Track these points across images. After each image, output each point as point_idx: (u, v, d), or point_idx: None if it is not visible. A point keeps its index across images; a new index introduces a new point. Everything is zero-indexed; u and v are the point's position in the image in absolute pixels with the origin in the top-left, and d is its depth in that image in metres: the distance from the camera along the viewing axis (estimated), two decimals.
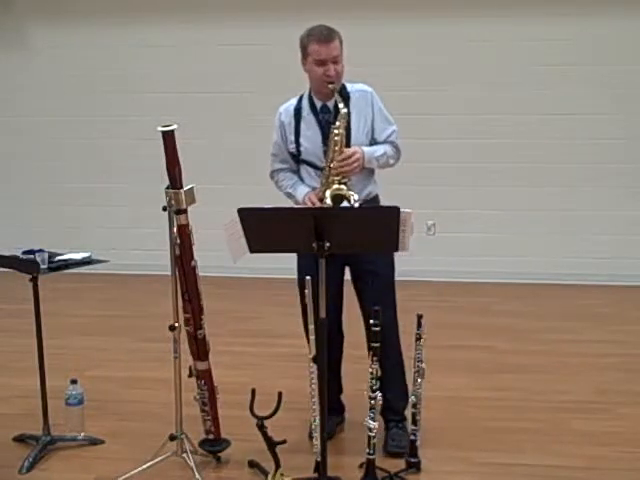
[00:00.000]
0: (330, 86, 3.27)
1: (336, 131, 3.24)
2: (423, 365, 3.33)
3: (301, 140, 3.41)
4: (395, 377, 3.49)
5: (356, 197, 3.24)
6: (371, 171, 3.48)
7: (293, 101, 3.50)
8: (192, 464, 3.20)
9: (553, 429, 3.69)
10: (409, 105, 6.46)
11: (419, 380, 3.33)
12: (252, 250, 2.92)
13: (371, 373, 3.11)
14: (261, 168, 7.47)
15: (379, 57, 6.52)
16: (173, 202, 3.09)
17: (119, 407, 4.02)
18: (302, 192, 3.41)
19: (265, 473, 3.20)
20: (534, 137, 6.60)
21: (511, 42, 6.52)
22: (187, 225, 3.16)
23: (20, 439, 3.58)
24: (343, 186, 3.26)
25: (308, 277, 2.88)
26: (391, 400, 3.46)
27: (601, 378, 4.36)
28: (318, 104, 3.40)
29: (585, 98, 6.50)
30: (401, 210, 2.81)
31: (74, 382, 3.65)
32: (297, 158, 3.46)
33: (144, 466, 3.23)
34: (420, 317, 3.33)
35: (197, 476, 3.16)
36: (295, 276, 3.47)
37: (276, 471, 3.11)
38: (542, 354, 4.79)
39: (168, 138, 3.09)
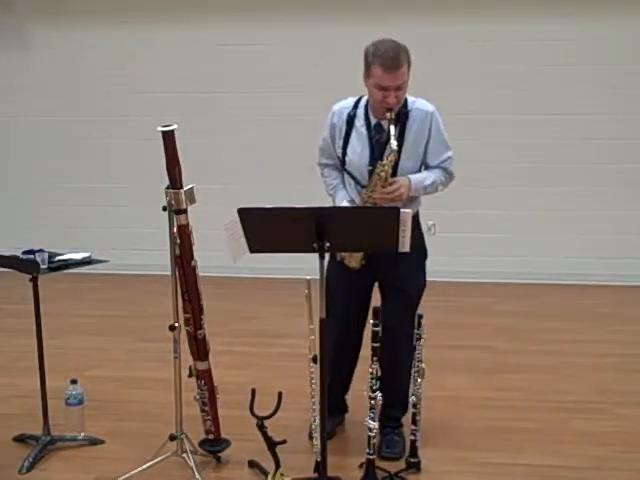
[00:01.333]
0: (387, 114, 3.13)
1: (382, 167, 3.17)
2: (423, 365, 3.33)
3: (348, 150, 3.32)
4: (400, 389, 3.47)
5: None
6: (416, 198, 3.39)
7: (350, 102, 3.36)
8: (192, 464, 3.20)
9: (553, 429, 3.69)
10: None
11: (419, 380, 3.33)
12: (252, 250, 2.92)
13: (371, 373, 3.11)
14: (261, 168, 7.51)
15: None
16: (173, 202, 3.09)
17: (119, 407, 4.02)
18: (340, 200, 3.36)
19: (265, 473, 3.20)
20: (534, 137, 6.60)
21: (511, 42, 6.51)
22: (187, 225, 3.16)
23: (20, 439, 3.58)
24: None
25: (308, 277, 2.88)
26: (391, 409, 3.47)
27: (601, 378, 4.36)
28: (373, 120, 3.28)
29: (585, 98, 6.50)
30: (401, 210, 2.81)
31: (74, 382, 3.65)
32: (341, 163, 3.39)
33: (144, 466, 3.23)
34: (420, 317, 3.33)
35: (197, 476, 3.16)
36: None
37: (276, 471, 3.11)
38: (542, 354, 4.79)
39: (168, 138, 3.09)
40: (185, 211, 3.14)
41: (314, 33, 6.61)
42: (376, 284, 3.50)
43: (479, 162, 6.68)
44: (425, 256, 3.53)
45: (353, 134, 3.32)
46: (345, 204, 3.34)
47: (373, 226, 2.86)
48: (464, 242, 6.77)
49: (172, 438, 3.28)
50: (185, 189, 3.11)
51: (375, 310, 3.11)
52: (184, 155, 3.17)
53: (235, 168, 6.90)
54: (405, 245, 2.90)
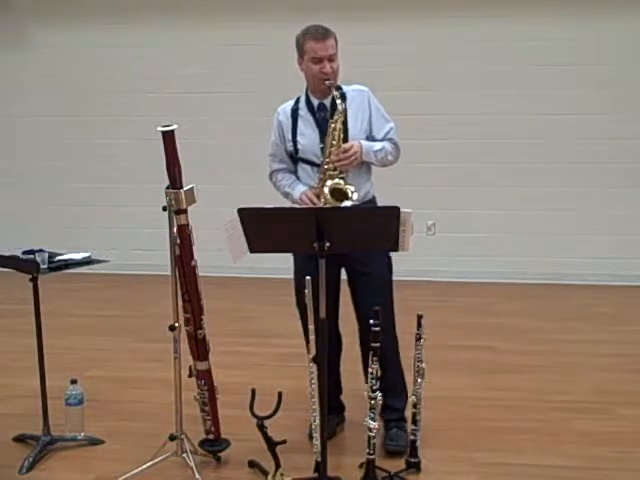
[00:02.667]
0: (327, 82, 3.30)
1: (333, 125, 3.28)
2: (423, 365, 3.33)
3: (298, 138, 3.43)
4: (393, 377, 3.48)
5: (353, 189, 3.25)
6: (367, 171, 3.49)
7: (290, 102, 3.53)
8: (192, 464, 3.20)
9: (553, 429, 3.69)
10: (409, 105, 6.46)
11: (419, 380, 3.33)
12: (252, 250, 2.92)
13: (371, 373, 3.11)
14: (261, 168, 7.48)
15: (379, 57, 6.53)
16: (173, 202, 3.09)
17: (119, 407, 4.02)
18: (299, 191, 3.42)
19: (265, 473, 3.20)
20: (534, 137, 6.61)
21: (512, 42, 6.52)
22: (187, 225, 3.16)
23: (20, 439, 3.58)
24: (341, 180, 3.28)
25: (308, 277, 2.88)
26: (390, 400, 3.46)
27: (601, 378, 4.36)
28: (315, 102, 3.43)
29: (585, 98, 6.51)
30: (401, 210, 2.81)
31: (74, 382, 3.64)
32: (295, 157, 3.47)
33: (144, 466, 3.23)
34: (420, 317, 3.33)
35: (197, 476, 3.15)
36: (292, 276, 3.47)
37: (276, 471, 3.11)
38: (542, 354, 4.79)
39: (168, 138, 3.09)
40: (185, 211, 3.14)
41: None
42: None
43: (479, 162, 6.69)
44: None
45: (300, 122, 3.45)
46: (304, 189, 3.39)
47: (373, 226, 2.86)
48: (464, 242, 6.78)
49: (172, 438, 3.28)
50: (185, 189, 3.11)
51: (375, 310, 3.11)
52: (184, 155, 3.17)
53: (235, 168, 6.90)
54: (405, 245, 2.90)
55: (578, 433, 3.64)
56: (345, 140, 3.33)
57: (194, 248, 3.19)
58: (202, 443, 3.41)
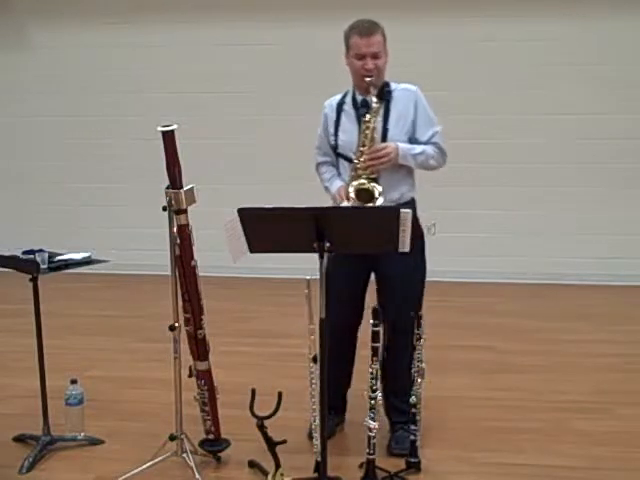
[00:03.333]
0: (367, 80, 3.25)
1: (366, 124, 3.24)
2: (423, 365, 3.33)
3: (339, 133, 3.41)
4: (406, 379, 3.44)
5: (380, 189, 3.22)
6: (407, 173, 3.44)
7: (338, 96, 3.50)
8: (192, 464, 3.20)
9: (553, 429, 3.69)
10: None
11: (419, 380, 3.33)
12: (252, 250, 2.92)
13: (371, 373, 3.11)
14: (261, 168, 7.51)
15: None
16: (173, 202, 3.09)
17: (119, 407, 4.02)
18: (336, 186, 3.41)
19: (265, 473, 3.20)
20: (534, 137, 6.61)
21: (512, 42, 6.52)
22: (187, 225, 3.16)
23: (20, 439, 3.58)
24: (366, 180, 3.24)
25: (308, 277, 2.88)
26: (399, 402, 3.46)
27: (601, 378, 4.36)
28: (359, 99, 3.39)
29: (585, 98, 6.51)
30: (401, 210, 2.81)
31: (74, 382, 3.64)
32: (335, 151, 3.46)
33: (144, 466, 3.23)
34: (420, 317, 3.33)
35: (197, 476, 3.16)
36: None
37: (276, 471, 3.11)
38: (542, 354, 4.79)
39: (168, 138, 3.09)
40: (185, 211, 3.14)
41: (314, 33, 6.61)
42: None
43: (479, 162, 6.68)
44: (423, 244, 3.60)
45: (343, 117, 3.42)
46: (341, 184, 3.37)
47: (373, 226, 2.86)
48: (464, 242, 6.77)
49: (172, 438, 3.28)
50: (185, 189, 3.11)
51: (375, 310, 3.11)
52: (184, 155, 3.17)
53: (235, 168, 6.90)
54: (405, 245, 2.90)
55: (578, 433, 3.64)
56: (384, 140, 3.30)
57: (194, 248, 3.19)
58: (202, 443, 3.41)
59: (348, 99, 3.44)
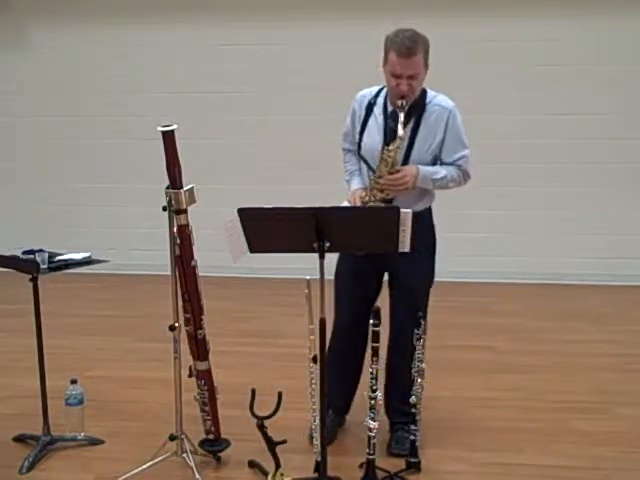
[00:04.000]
0: (399, 102, 3.19)
1: (388, 152, 3.21)
2: (423, 365, 3.33)
3: (364, 136, 3.38)
4: (405, 379, 3.44)
5: None
6: (423, 192, 3.41)
7: (373, 91, 3.42)
8: (192, 464, 3.20)
9: (553, 429, 3.69)
10: None
11: (419, 380, 3.33)
12: (252, 250, 2.92)
13: (371, 373, 3.11)
14: (261, 168, 7.50)
15: (379, 58, 6.52)
16: (173, 202, 3.09)
17: (119, 407, 4.02)
18: (354, 186, 3.41)
19: (265, 473, 3.20)
20: (534, 137, 6.60)
21: (511, 42, 6.51)
22: (187, 225, 3.16)
23: (20, 439, 3.58)
24: (381, 204, 3.24)
25: (308, 277, 2.88)
26: (399, 403, 3.46)
27: (601, 378, 4.36)
28: (389, 108, 3.33)
29: (585, 98, 6.50)
30: (401, 210, 2.81)
31: (74, 382, 3.64)
32: (359, 151, 3.43)
33: (144, 466, 3.23)
34: (420, 317, 3.33)
35: (197, 476, 3.16)
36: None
37: (276, 471, 3.11)
38: (542, 354, 4.79)
39: (168, 138, 3.09)
40: (185, 211, 3.14)
41: (314, 33, 6.61)
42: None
43: (479, 162, 6.64)
44: (434, 250, 3.69)
45: (371, 120, 3.37)
46: (357, 187, 3.38)
47: (373, 226, 2.86)
48: (464, 242, 6.77)
49: (172, 438, 3.28)
50: (185, 189, 3.11)
51: (375, 310, 3.11)
52: (184, 155, 3.17)
53: (235, 168, 6.90)
54: (405, 245, 2.91)
55: (578, 433, 3.64)
56: (406, 161, 3.26)
57: (194, 248, 3.19)
58: (202, 443, 3.41)
59: (380, 101, 3.37)
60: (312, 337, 2.99)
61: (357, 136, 3.41)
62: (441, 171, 3.33)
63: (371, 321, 3.11)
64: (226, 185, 6.74)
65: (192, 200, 3.14)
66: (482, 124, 6.62)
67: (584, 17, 6.42)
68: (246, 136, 6.86)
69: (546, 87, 6.54)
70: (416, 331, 3.33)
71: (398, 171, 3.23)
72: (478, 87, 6.59)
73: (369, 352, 3.19)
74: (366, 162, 3.37)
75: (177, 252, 3.15)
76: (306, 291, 2.93)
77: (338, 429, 3.63)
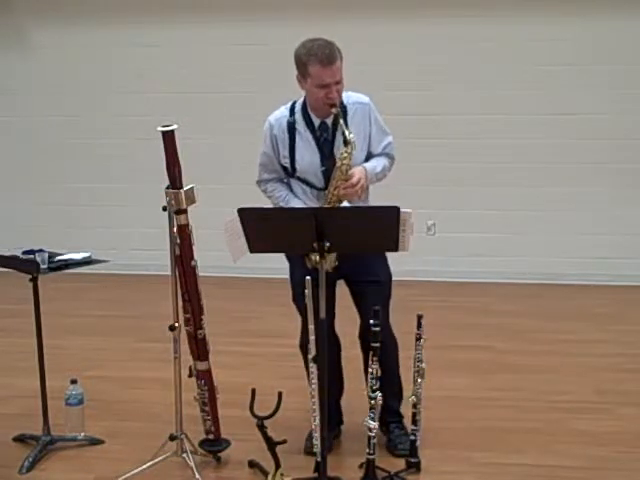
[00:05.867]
0: (333, 110, 3.13)
1: (342, 161, 3.14)
2: (423, 365, 3.33)
3: (297, 158, 3.26)
4: (391, 377, 3.46)
5: None
6: (367, 187, 3.38)
7: (284, 112, 3.31)
8: (192, 464, 3.20)
9: (553, 429, 3.69)
10: (409, 105, 6.47)
11: (419, 380, 3.33)
12: (252, 250, 2.92)
13: (371, 373, 3.11)
14: None
15: (379, 57, 6.53)
16: (173, 202, 3.09)
17: (119, 407, 4.02)
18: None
19: (265, 473, 3.20)
20: (534, 137, 6.61)
21: (511, 42, 6.52)
22: (187, 225, 3.16)
23: (20, 439, 3.58)
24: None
25: (308, 277, 2.88)
26: (388, 400, 3.42)
27: (601, 378, 4.36)
28: (316, 121, 3.25)
29: (585, 98, 6.50)
30: (401, 210, 2.81)
31: (74, 382, 3.65)
32: (290, 173, 3.32)
33: (144, 466, 3.23)
34: (420, 317, 3.33)
35: (197, 476, 3.16)
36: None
37: (276, 471, 3.11)
38: (542, 354, 4.79)
39: (168, 138, 3.09)
40: (185, 211, 3.14)
41: (314, 33, 6.59)
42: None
43: (479, 162, 6.69)
44: None
45: (298, 140, 3.26)
46: (302, 207, 3.27)
47: (373, 226, 2.86)
48: (464, 242, 6.78)
49: (172, 438, 3.28)
50: (185, 189, 3.11)
51: (375, 310, 3.11)
52: (184, 155, 3.17)
53: (235, 168, 6.88)
54: (405, 245, 2.90)
55: (578, 433, 3.64)
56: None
57: (194, 248, 3.19)
58: (202, 443, 3.41)
59: (299, 117, 3.26)
60: (312, 337, 2.98)
61: (286, 160, 3.28)
62: (379, 164, 3.33)
63: (371, 321, 3.11)
64: (226, 185, 6.74)
65: (192, 200, 3.14)
66: (482, 124, 6.64)
67: (584, 17, 6.42)
68: (246, 136, 6.83)
69: (546, 87, 6.54)
70: (416, 331, 3.33)
71: (352, 176, 3.17)
72: (478, 87, 6.59)
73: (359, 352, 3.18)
74: (306, 182, 3.28)
75: (177, 252, 3.15)
76: (306, 291, 2.93)
77: (335, 440, 3.55)
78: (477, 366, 4.59)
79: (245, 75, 6.82)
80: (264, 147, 3.35)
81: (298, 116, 3.27)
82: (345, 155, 3.15)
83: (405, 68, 6.59)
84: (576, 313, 5.78)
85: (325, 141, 3.24)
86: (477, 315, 5.73)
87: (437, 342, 4.05)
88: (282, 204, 3.34)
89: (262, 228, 2.86)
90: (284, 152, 3.28)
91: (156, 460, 3.25)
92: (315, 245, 2.79)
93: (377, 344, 3.11)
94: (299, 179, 3.30)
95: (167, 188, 3.11)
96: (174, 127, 3.09)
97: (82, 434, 3.60)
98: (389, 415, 3.50)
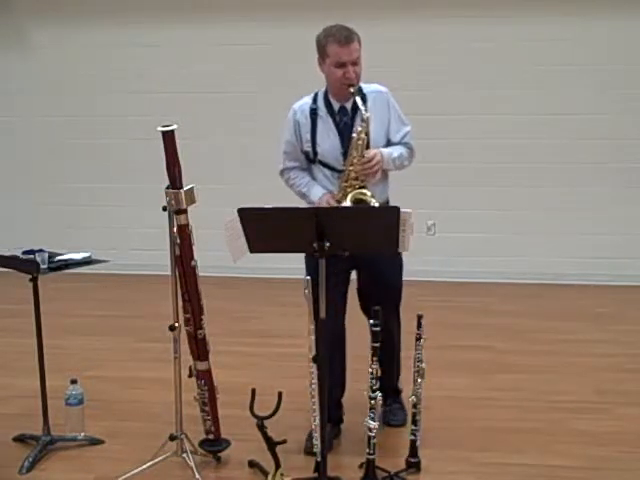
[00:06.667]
0: (351, 89, 3.24)
1: (358, 135, 3.24)
2: (423, 365, 3.33)
3: (318, 141, 3.38)
4: (396, 363, 3.60)
5: (374, 199, 3.25)
6: (387, 175, 3.49)
7: (308, 100, 3.45)
8: (192, 464, 3.20)
9: (553, 429, 3.69)
10: (409, 105, 6.42)
11: (419, 380, 3.33)
12: (252, 250, 2.93)
13: (371, 373, 3.11)
14: (261, 168, 7.48)
15: (379, 57, 6.51)
16: (173, 202, 3.09)
17: (119, 407, 4.02)
18: (317, 193, 3.39)
19: (265, 473, 3.20)
20: (534, 137, 6.60)
21: (511, 42, 6.51)
22: (187, 225, 3.16)
23: (20, 439, 3.58)
24: (364, 190, 3.26)
25: (308, 277, 2.88)
26: (388, 378, 3.55)
27: (601, 378, 4.36)
28: (335, 105, 3.38)
29: (585, 98, 6.50)
30: (401, 210, 2.81)
31: (74, 382, 3.65)
32: (311, 158, 3.43)
33: (144, 466, 3.23)
34: (420, 317, 3.33)
35: (197, 476, 3.16)
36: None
37: (276, 471, 3.11)
38: (542, 354, 4.79)
39: (168, 138, 3.09)
40: (185, 211, 3.14)
41: (314, 33, 6.60)
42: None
43: (479, 162, 6.68)
44: None
45: (319, 125, 3.39)
46: (323, 192, 3.38)
47: (373, 226, 2.87)
48: (464, 242, 6.78)
49: (172, 438, 3.28)
50: (185, 189, 3.11)
51: (375, 310, 3.11)
52: (184, 155, 3.17)
53: (235, 168, 6.90)
54: (405, 245, 2.91)
55: (578, 433, 3.64)
56: (367, 146, 3.28)
57: (194, 248, 3.19)
58: (202, 443, 3.41)
59: (321, 104, 3.40)
60: (312, 337, 2.99)
61: (308, 145, 3.40)
62: (395, 151, 3.42)
63: (371, 321, 3.11)
64: (226, 185, 6.74)
65: (192, 200, 3.14)
66: (482, 124, 6.64)
67: (584, 17, 6.42)
68: (246, 136, 6.86)
69: (546, 87, 6.54)
70: (416, 331, 3.33)
71: (366, 156, 3.27)
72: (478, 87, 6.59)
73: (360, 352, 3.19)
74: (327, 166, 3.39)
75: (177, 252, 3.15)
76: (306, 291, 2.93)
77: (335, 440, 3.54)
78: (477, 366, 4.59)
79: (245, 75, 6.82)
80: (287, 135, 3.47)
81: (320, 103, 3.41)
82: (360, 130, 3.23)
83: (405, 68, 6.58)
84: (576, 313, 5.78)
85: (345, 125, 3.35)
86: (477, 315, 5.73)
87: (437, 342, 4.04)
88: (303, 190, 3.45)
89: (262, 228, 2.86)
90: (306, 137, 3.40)
91: (156, 460, 3.25)
92: (315, 245, 2.79)
93: (377, 344, 3.11)
94: (320, 163, 3.40)
95: (167, 188, 3.12)
96: (174, 127, 3.09)
97: (82, 434, 3.60)
98: (388, 391, 3.58)
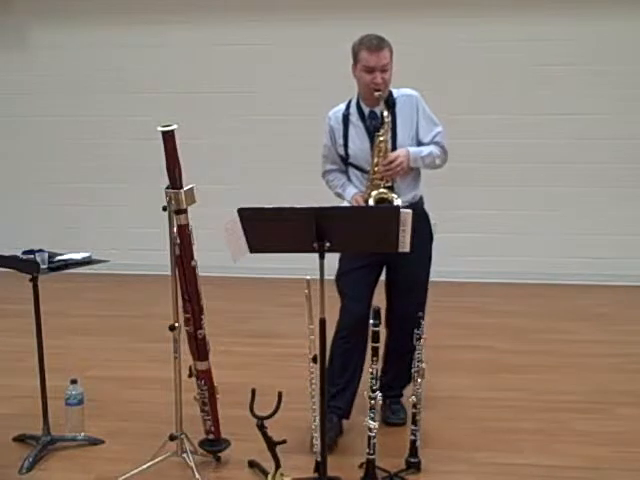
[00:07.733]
0: (376, 94, 3.40)
1: (380, 138, 3.40)
2: (423, 365, 3.33)
3: (349, 145, 3.56)
4: (407, 367, 3.51)
5: (399, 202, 3.36)
6: (418, 174, 3.64)
7: (342, 106, 3.62)
8: (192, 464, 3.20)
9: (553, 429, 3.69)
10: None
11: (419, 380, 3.33)
12: (252, 250, 2.93)
13: (371, 373, 3.11)
14: (261, 168, 7.50)
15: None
16: (173, 202, 3.09)
17: (119, 407, 4.02)
18: (350, 193, 3.57)
19: (265, 473, 3.20)
20: (534, 137, 6.60)
21: (511, 42, 6.51)
22: (187, 225, 3.16)
23: (20, 439, 3.58)
24: (386, 190, 3.41)
25: (308, 277, 2.88)
26: (395, 383, 3.65)
27: (601, 378, 4.36)
28: (366, 110, 3.54)
29: (585, 98, 6.50)
30: (401, 210, 2.82)
31: (74, 382, 3.65)
32: (346, 161, 3.61)
33: (144, 466, 3.23)
34: (420, 317, 3.33)
35: (197, 476, 3.16)
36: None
37: (276, 471, 3.11)
38: (542, 354, 4.79)
39: (168, 138, 3.09)
40: (185, 211, 3.14)
41: (315, 33, 6.62)
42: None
43: (479, 162, 6.68)
44: (431, 240, 3.83)
45: (351, 129, 3.56)
46: (355, 191, 3.53)
47: (373, 226, 2.87)
48: (464, 242, 6.77)
49: (172, 438, 3.28)
50: (185, 189, 3.11)
51: (375, 310, 3.11)
52: (184, 155, 3.17)
53: (235, 168, 6.90)
54: (405, 245, 2.91)
55: (578, 433, 3.64)
56: (394, 148, 3.46)
57: (194, 248, 3.19)
58: (202, 443, 3.41)
59: (353, 110, 3.57)
60: (312, 337, 2.99)
61: (341, 149, 3.59)
62: (425, 149, 3.55)
63: (371, 321, 3.11)
64: (226, 185, 6.74)
65: (192, 200, 3.14)
66: (482, 124, 6.64)
67: (584, 17, 6.42)
68: (246, 136, 6.86)
69: (547, 87, 6.54)
70: (416, 331, 3.33)
71: (390, 157, 3.42)
72: (478, 87, 6.59)
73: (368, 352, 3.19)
74: (358, 167, 3.56)
75: (177, 252, 3.15)
76: (306, 291, 2.93)
77: (337, 437, 3.53)
78: (477, 366, 4.59)
79: (245, 75, 6.82)
80: (325, 139, 3.68)
81: (352, 109, 3.59)
82: (382, 133, 3.41)
83: (405, 68, 6.56)
84: (576, 313, 5.78)
85: (374, 128, 3.48)
86: (477, 315, 5.73)
87: (437, 342, 4.04)
88: (339, 191, 3.65)
89: (262, 228, 2.86)
90: (340, 141, 3.59)
91: (156, 460, 3.25)
92: (315, 245, 2.79)
93: (377, 344, 3.11)
94: (352, 165, 3.59)
95: (167, 188, 3.12)
96: (174, 127, 3.09)
97: (82, 434, 3.60)
98: (390, 392, 3.66)
